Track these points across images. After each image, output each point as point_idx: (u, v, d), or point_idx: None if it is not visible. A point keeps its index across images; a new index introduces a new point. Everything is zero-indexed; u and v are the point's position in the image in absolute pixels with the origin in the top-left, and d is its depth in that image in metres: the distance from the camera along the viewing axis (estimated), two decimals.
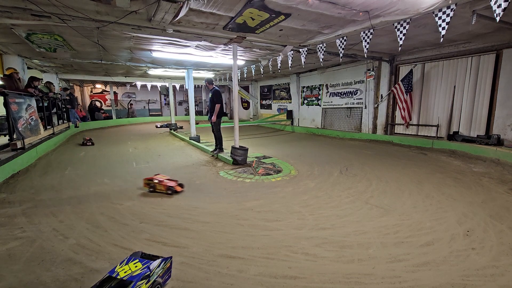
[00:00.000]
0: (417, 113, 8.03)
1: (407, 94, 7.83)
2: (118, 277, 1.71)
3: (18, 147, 5.40)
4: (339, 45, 5.39)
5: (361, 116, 9.62)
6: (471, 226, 2.79)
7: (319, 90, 11.55)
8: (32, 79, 7.38)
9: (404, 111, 8.00)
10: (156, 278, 1.77)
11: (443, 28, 3.80)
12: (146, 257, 1.93)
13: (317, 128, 11.66)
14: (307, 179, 4.61)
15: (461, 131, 7.08)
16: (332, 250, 2.38)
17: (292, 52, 6.72)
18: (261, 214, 3.18)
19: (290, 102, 13.49)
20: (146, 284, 1.69)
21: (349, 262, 2.20)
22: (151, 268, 1.78)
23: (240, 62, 9.19)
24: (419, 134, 8.08)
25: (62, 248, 2.39)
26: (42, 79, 9.14)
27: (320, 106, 11.57)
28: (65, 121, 10.69)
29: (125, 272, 1.75)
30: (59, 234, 2.65)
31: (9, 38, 5.92)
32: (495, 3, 3.23)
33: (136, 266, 1.80)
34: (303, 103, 12.63)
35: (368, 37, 4.79)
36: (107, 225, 2.85)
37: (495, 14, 3.26)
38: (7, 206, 3.43)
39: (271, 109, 15.34)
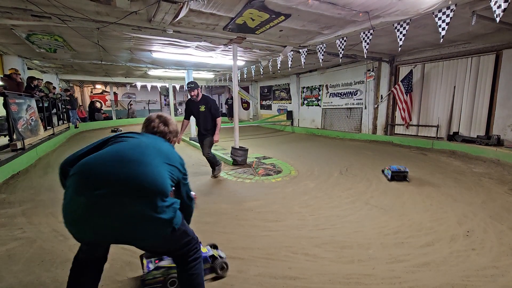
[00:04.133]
0: (417, 113, 8.04)
1: (407, 95, 7.83)
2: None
3: (18, 147, 5.40)
4: (339, 46, 5.39)
5: (361, 117, 9.62)
6: (471, 227, 2.79)
7: (319, 90, 11.55)
8: (31, 79, 7.39)
9: (404, 112, 8.00)
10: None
11: (443, 29, 3.80)
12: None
13: (317, 128, 11.66)
14: (307, 180, 4.61)
15: (461, 131, 7.09)
16: (332, 250, 2.38)
17: (292, 52, 6.73)
18: (261, 214, 3.18)
19: (290, 103, 13.50)
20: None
21: (349, 262, 2.20)
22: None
23: (240, 63, 9.20)
24: (419, 134, 8.08)
25: (62, 249, 2.39)
26: (42, 79, 9.14)
27: (320, 106, 11.57)
28: (65, 122, 10.70)
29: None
30: (59, 235, 2.64)
31: (10, 39, 5.93)
32: (495, 4, 3.24)
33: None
34: (303, 104, 12.63)
35: (368, 37, 4.80)
36: None
37: (495, 15, 3.26)
38: (7, 206, 3.43)
39: (271, 109, 15.34)
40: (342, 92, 10.40)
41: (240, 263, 2.19)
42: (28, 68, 9.26)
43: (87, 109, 16.29)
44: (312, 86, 11.93)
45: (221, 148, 7.69)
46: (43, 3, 3.86)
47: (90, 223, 1.22)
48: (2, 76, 7.15)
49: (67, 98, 11.33)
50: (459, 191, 3.93)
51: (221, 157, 6.23)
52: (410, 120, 8.09)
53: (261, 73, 11.37)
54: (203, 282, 1.58)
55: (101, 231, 1.25)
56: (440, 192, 3.89)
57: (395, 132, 8.76)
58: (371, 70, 8.89)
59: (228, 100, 17.75)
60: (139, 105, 20.46)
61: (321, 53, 6.00)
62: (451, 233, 2.66)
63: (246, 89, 17.16)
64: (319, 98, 11.58)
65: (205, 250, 2.02)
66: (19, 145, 5.43)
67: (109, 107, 17.75)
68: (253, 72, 9.69)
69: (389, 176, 4.48)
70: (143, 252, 2.02)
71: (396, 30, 4.38)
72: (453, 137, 7.04)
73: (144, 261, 1.92)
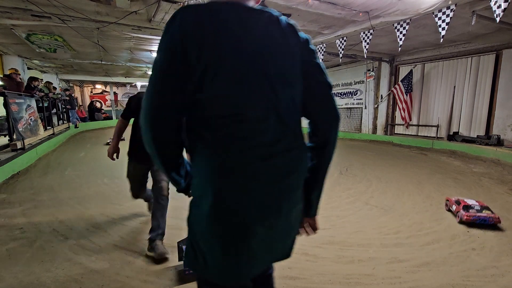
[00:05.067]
0: (417, 113, 8.04)
1: (407, 95, 7.83)
2: None
3: (18, 147, 5.39)
4: (339, 46, 5.39)
5: (361, 117, 9.62)
6: (471, 227, 2.79)
7: None
8: (32, 79, 7.39)
9: (404, 112, 8.00)
10: None
11: (443, 29, 3.80)
12: None
13: None
14: None
15: (461, 131, 7.09)
16: (332, 250, 2.38)
17: None
18: None
19: None
20: None
21: (349, 262, 2.20)
22: None
23: None
24: (419, 134, 8.08)
25: (62, 249, 2.39)
26: (42, 79, 9.14)
27: None
28: (65, 122, 10.69)
29: None
30: (59, 235, 2.64)
31: (10, 39, 5.93)
32: (495, 4, 3.24)
33: None
34: None
35: (368, 37, 4.80)
36: (107, 226, 2.85)
37: (495, 15, 3.26)
38: (7, 206, 3.43)
39: None
40: (342, 92, 10.40)
41: None
42: (28, 68, 9.26)
43: (87, 109, 16.27)
44: None
45: None
46: (43, 3, 3.86)
47: (268, 250, 0.94)
48: (2, 76, 7.15)
49: (67, 98, 11.33)
50: (459, 191, 3.93)
51: None
52: (410, 120, 8.09)
53: None
54: None
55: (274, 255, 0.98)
56: (440, 192, 3.88)
57: (395, 132, 8.77)
58: (371, 70, 8.89)
59: None
60: None
61: (321, 53, 6.00)
62: (451, 233, 2.66)
63: None
64: None
65: None
66: (19, 145, 5.42)
67: (109, 107, 17.74)
68: None
69: None
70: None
71: (396, 30, 4.38)
72: (453, 137, 7.04)
73: (183, 247, 1.98)
